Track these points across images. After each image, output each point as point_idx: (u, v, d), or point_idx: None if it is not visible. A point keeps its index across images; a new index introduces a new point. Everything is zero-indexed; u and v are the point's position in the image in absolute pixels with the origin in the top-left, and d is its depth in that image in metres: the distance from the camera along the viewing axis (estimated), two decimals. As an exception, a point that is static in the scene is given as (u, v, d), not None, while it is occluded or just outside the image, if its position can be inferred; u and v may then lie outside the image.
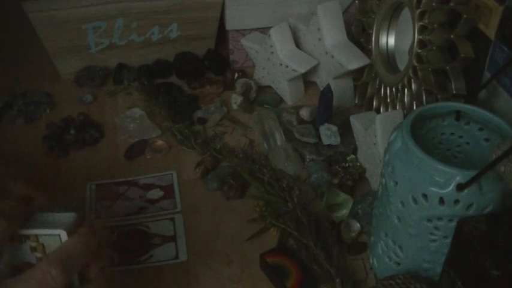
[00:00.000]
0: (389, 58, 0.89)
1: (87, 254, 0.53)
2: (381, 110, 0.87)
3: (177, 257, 0.71)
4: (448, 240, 0.56)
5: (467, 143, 0.66)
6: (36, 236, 0.54)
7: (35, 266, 0.52)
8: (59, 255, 0.52)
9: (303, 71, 0.92)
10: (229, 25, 1.00)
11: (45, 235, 0.54)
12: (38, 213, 0.56)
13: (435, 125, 0.65)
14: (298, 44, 0.95)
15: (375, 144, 0.76)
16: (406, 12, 0.84)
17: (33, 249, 0.54)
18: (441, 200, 0.55)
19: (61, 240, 0.54)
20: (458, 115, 0.64)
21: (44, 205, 0.60)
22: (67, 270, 0.51)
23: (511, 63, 0.66)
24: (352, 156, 0.83)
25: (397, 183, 0.58)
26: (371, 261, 0.69)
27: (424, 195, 0.55)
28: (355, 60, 0.89)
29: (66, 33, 0.97)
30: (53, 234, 0.54)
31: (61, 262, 0.51)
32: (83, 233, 0.54)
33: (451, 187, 0.54)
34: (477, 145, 0.65)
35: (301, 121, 0.89)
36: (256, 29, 1.01)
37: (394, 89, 0.84)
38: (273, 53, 0.93)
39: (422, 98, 0.77)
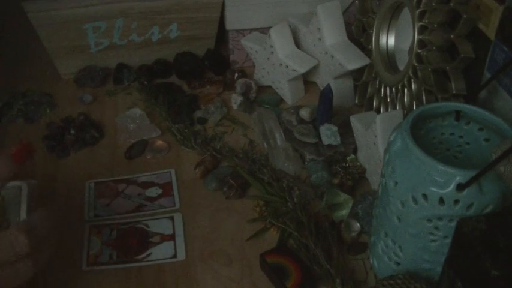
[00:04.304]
0: (389, 58, 0.89)
1: (48, 227, 0.57)
2: (381, 110, 0.87)
3: (175, 255, 0.72)
4: (448, 240, 0.56)
5: (467, 143, 0.66)
6: None
7: (4, 231, 0.55)
8: (25, 223, 0.56)
9: (303, 71, 0.92)
10: (229, 25, 1.00)
11: (7, 187, 0.58)
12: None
13: (435, 125, 0.65)
14: (298, 44, 0.95)
15: (374, 144, 0.76)
16: (406, 12, 0.84)
17: None
18: (441, 200, 0.55)
19: (21, 193, 0.58)
20: (458, 115, 0.64)
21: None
22: (32, 239, 0.54)
23: (511, 63, 0.66)
24: (352, 156, 0.83)
25: (397, 183, 0.58)
26: (371, 261, 0.69)
27: (424, 195, 0.55)
28: (355, 60, 0.89)
29: (66, 33, 0.97)
30: (15, 186, 0.58)
31: (27, 228, 0.54)
32: (44, 210, 0.58)
33: (451, 187, 0.54)
34: (477, 145, 0.65)
35: (301, 121, 0.89)
36: (256, 29, 1.01)
37: (394, 89, 0.84)
38: (273, 53, 0.93)
39: (422, 98, 0.77)
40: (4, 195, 0.58)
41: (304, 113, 0.88)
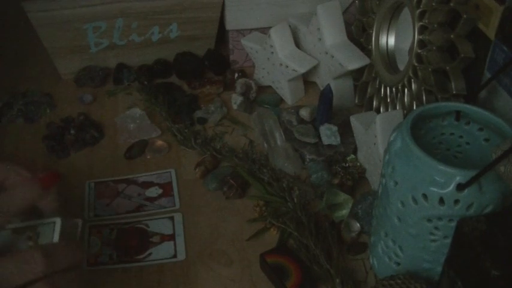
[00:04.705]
0: (389, 58, 0.89)
1: (70, 259, 0.57)
2: (381, 110, 0.87)
3: (175, 255, 0.72)
4: (448, 240, 0.56)
5: (467, 143, 0.66)
6: (36, 226, 0.59)
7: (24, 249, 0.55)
8: (46, 247, 0.56)
9: (303, 71, 0.92)
10: (229, 25, 1.00)
11: (43, 224, 0.59)
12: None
13: (435, 125, 0.65)
14: (298, 44, 0.95)
15: (375, 144, 0.76)
16: (406, 12, 0.84)
17: (29, 238, 0.58)
18: (441, 200, 0.55)
19: (54, 228, 0.59)
20: (458, 115, 0.64)
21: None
22: (50, 261, 0.54)
23: (511, 63, 0.66)
24: (352, 156, 0.83)
25: (397, 183, 0.58)
26: (371, 261, 0.69)
27: (424, 195, 0.55)
28: (355, 60, 0.89)
29: (66, 33, 0.97)
30: (49, 222, 0.59)
31: (47, 252, 0.54)
32: (71, 243, 0.59)
33: (451, 187, 0.54)
34: (477, 145, 0.65)
35: (301, 121, 0.89)
36: (256, 29, 1.01)
37: (394, 89, 0.84)
38: (273, 53, 0.93)
39: (422, 98, 0.77)
40: (39, 232, 0.59)
41: (304, 113, 0.88)
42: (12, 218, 0.58)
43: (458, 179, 0.53)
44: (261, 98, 0.97)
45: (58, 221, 0.59)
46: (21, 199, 0.58)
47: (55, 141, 0.88)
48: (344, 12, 0.97)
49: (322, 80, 0.96)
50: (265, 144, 0.87)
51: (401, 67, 0.86)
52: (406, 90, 0.81)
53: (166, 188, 0.81)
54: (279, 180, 0.79)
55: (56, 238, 0.58)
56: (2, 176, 0.64)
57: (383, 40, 0.89)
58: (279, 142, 0.86)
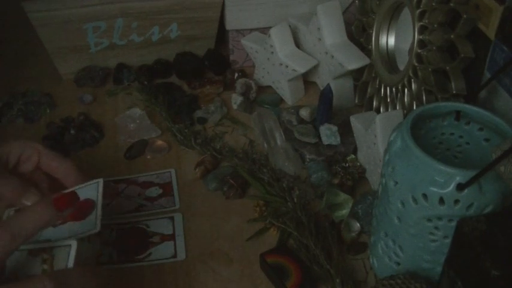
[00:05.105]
0: (389, 58, 0.89)
1: (83, 286, 0.55)
2: (381, 110, 0.87)
3: (175, 255, 0.72)
4: (448, 240, 0.56)
5: (467, 143, 0.66)
6: (51, 248, 0.57)
7: (35, 277, 0.54)
8: (59, 274, 0.55)
9: (303, 71, 0.92)
10: (229, 25, 1.00)
11: (58, 247, 0.57)
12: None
13: (435, 125, 0.65)
14: (298, 44, 0.95)
15: (375, 144, 0.76)
16: (406, 12, 0.84)
17: (44, 261, 0.57)
18: (441, 200, 0.55)
19: (70, 252, 0.57)
20: (458, 115, 0.64)
21: None
22: None
23: (511, 63, 0.66)
24: (352, 156, 0.83)
25: (397, 183, 0.58)
26: (371, 261, 0.69)
27: (424, 195, 0.55)
28: (355, 60, 0.89)
29: (66, 33, 0.97)
30: (65, 245, 0.57)
31: (58, 280, 0.53)
32: (81, 269, 0.57)
33: (451, 187, 0.54)
34: (477, 145, 0.65)
35: (301, 121, 0.89)
36: (256, 29, 1.01)
37: (394, 89, 0.84)
38: (273, 53, 0.93)
39: (422, 98, 0.77)
40: (54, 254, 0.57)
41: (304, 113, 0.88)
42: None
43: (458, 179, 0.53)
44: (261, 98, 0.97)
45: (74, 245, 0.57)
46: (33, 224, 0.55)
47: (55, 141, 0.88)
48: (344, 12, 0.97)
49: (322, 80, 0.96)
50: (265, 144, 0.87)
51: (401, 67, 0.86)
52: (406, 90, 0.81)
53: (166, 188, 0.81)
54: (279, 180, 0.79)
55: (70, 263, 0.56)
56: (18, 150, 0.63)
57: (383, 40, 0.89)
58: (279, 142, 0.86)
